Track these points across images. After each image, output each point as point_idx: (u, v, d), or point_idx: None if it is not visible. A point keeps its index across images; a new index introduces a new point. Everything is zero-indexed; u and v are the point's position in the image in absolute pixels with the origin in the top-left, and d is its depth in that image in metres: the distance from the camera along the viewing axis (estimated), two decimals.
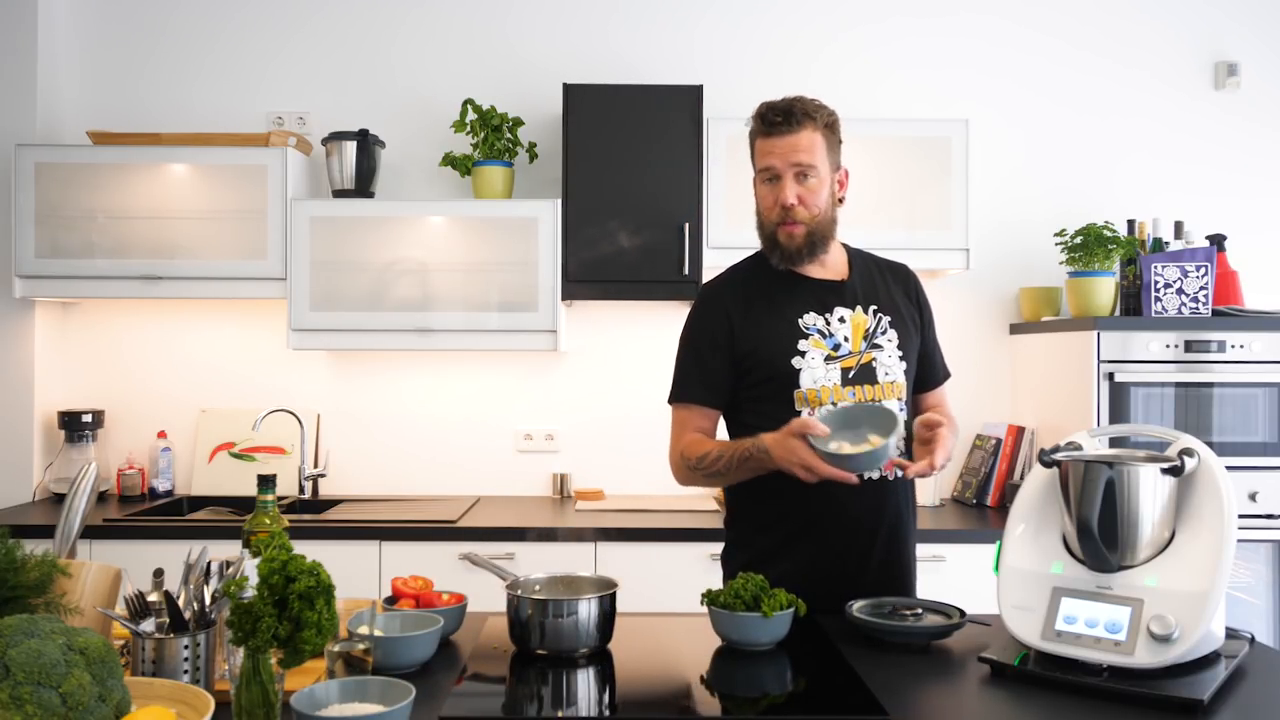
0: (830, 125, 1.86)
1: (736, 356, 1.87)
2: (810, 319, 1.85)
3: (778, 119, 1.81)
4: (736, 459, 1.78)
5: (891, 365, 1.86)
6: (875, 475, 1.82)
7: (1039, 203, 3.48)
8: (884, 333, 1.88)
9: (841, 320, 1.86)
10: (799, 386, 1.81)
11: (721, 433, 1.96)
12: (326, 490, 3.42)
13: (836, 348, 1.84)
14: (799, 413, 1.80)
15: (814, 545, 1.82)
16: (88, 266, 3.11)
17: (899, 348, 1.88)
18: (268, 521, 1.59)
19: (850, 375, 1.82)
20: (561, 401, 3.47)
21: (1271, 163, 3.51)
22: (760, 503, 1.86)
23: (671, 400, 1.96)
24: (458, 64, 3.48)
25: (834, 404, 1.78)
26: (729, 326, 1.87)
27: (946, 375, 2.05)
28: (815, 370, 1.81)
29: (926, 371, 1.99)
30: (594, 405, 3.46)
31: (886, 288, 1.94)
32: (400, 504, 3.22)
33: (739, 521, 1.95)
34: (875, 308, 1.89)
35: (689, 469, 1.87)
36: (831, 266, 1.92)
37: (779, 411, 1.80)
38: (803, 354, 1.82)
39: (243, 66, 3.47)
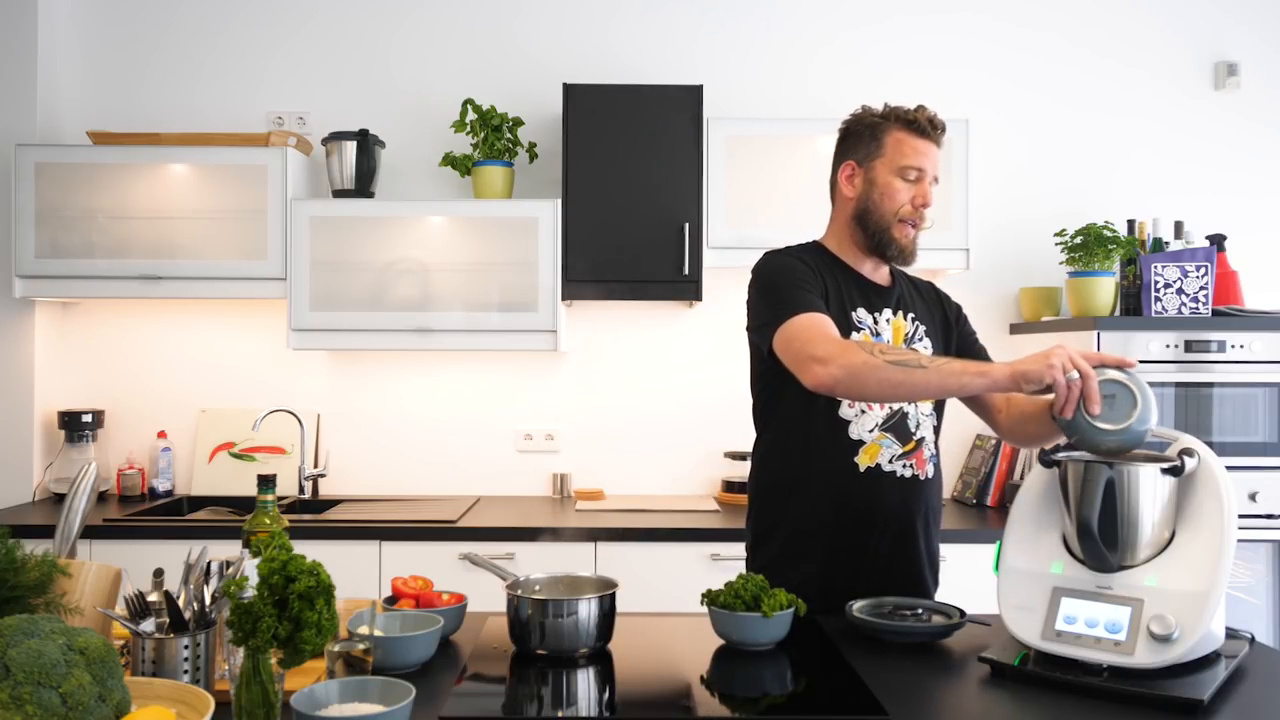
0: None
1: None
2: (862, 314, 1.87)
3: (932, 127, 1.85)
4: (960, 365, 1.62)
5: None
6: (909, 474, 1.84)
7: (1039, 203, 3.48)
8: (920, 340, 1.91)
9: (888, 321, 1.89)
10: None
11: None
12: (326, 490, 3.42)
13: None
14: (839, 403, 1.82)
15: (844, 542, 1.82)
16: (88, 266, 3.11)
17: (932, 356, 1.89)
18: (268, 521, 1.59)
19: None
20: (561, 401, 3.47)
21: (1271, 163, 3.51)
22: (791, 495, 1.86)
23: (793, 313, 1.74)
24: (458, 64, 3.48)
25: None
26: (815, 276, 1.84)
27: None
28: None
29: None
30: (594, 405, 3.46)
31: (923, 299, 1.99)
32: (400, 504, 3.22)
33: (764, 516, 1.93)
34: (913, 315, 1.93)
35: (872, 352, 1.63)
36: (879, 273, 1.96)
37: (818, 398, 1.78)
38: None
39: (242, 66, 3.47)
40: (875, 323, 1.87)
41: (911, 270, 2.05)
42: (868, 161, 1.88)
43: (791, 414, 1.86)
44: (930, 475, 1.88)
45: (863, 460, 1.82)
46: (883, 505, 1.82)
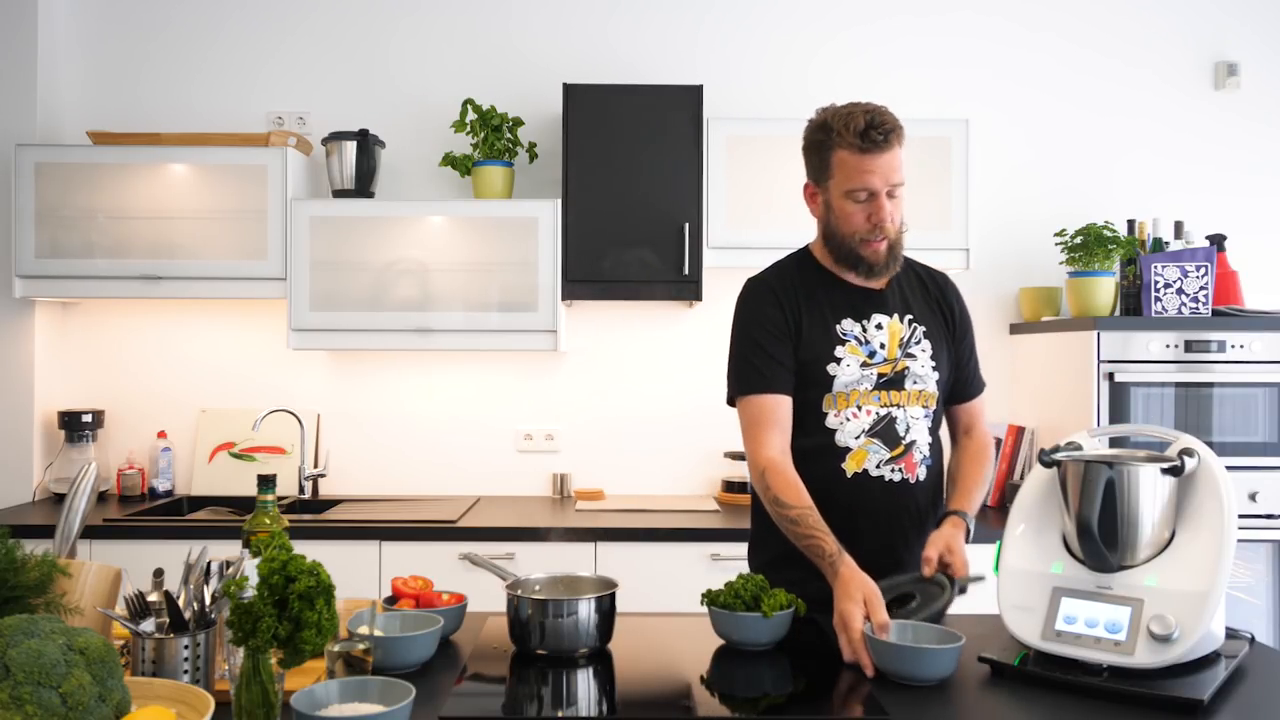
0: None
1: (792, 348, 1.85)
2: (848, 325, 1.85)
3: (880, 137, 1.75)
4: (804, 539, 1.71)
5: (922, 374, 1.86)
6: (897, 478, 1.83)
7: (1039, 203, 3.48)
8: (918, 342, 1.88)
9: (879, 327, 1.86)
10: (830, 390, 1.82)
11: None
12: (326, 490, 3.42)
13: (872, 354, 1.84)
14: (825, 414, 1.82)
15: (845, 544, 1.77)
16: (88, 266, 3.11)
17: (932, 358, 1.88)
18: (268, 521, 1.59)
19: (882, 381, 1.83)
20: (561, 401, 3.47)
21: (1271, 163, 3.51)
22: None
23: (742, 392, 1.86)
24: (457, 64, 3.48)
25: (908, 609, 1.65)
26: (783, 317, 1.85)
27: (981, 387, 2.03)
28: (849, 374, 1.82)
29: (960, 383, 1.98)
30: (594, 405, 3.46)
31: (924, 296, 1.94)
32: (400, 504, 3.22)
33: (762, 519, 1.91)
34: (910, 317, 1.89)
35: (767, 498, 1.78)
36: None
37: (805, 414, 1.83)
38: (838, 360, 1.83)
39: (243, 67, 3.47)
40: (864, 331, 1.85)
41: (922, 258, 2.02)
42: (823, 183, 1.84)
43: None
44: (922, 478, 1.85)
45: (850, 466, 1.81)
46: (869, 510, 1.81)
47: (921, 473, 1.85)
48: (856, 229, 1.80)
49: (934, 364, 1.88)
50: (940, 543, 1.72)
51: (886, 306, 1.88)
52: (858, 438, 1.82)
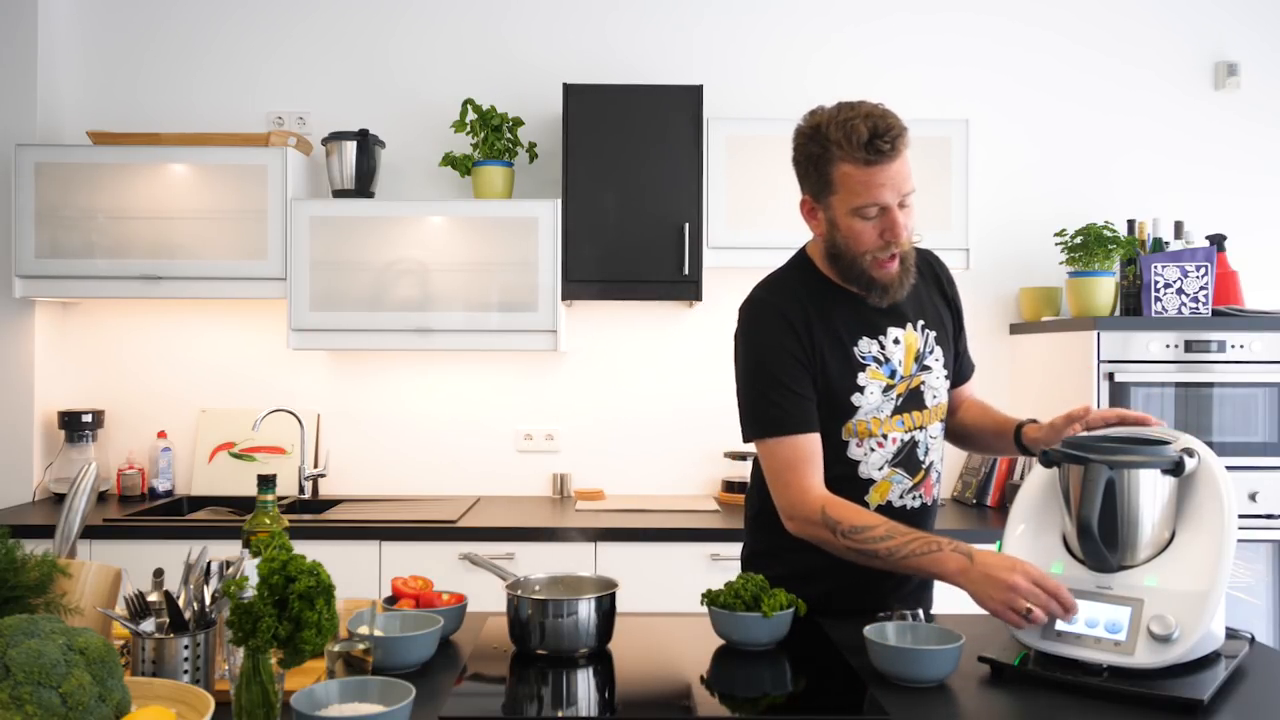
0: None
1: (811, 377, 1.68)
2: (864, 344, 1.70)
3: (887, 146, 1.56)
4: (903, 548, 1.53)
5: (938, 386, 1.77)
6: (917, 504, 1.76)
7: (1039, 203, 3.49)
8: (931, 351, 1.76)
9: (896, 342, 1.72)
10: (851, 418, 1.70)
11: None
12: (326, 490, 3.42)
13: (893, 374, 1.71)
14: (845, 443, 1.70)
15: (848, 578, 1.69)
16: (88, 266, 3.11)
17: (945, 366, 1.79)
18: (268, 521, 1.59)
19: (900, 403, 1.72)
20: (561, 401, 3.47)
21: (1271, 162, 3.51)
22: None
23: (768, 434, 1.67)
24: (457, 64, 3.48)
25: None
26: (801, 346, 1.67)
27: (973, 368, 1.94)
28: (872, 401, 1.70)
29: (956, 372, 1.86)
30: (594, 405, 3.46)
31: (928, 290, 1.80)
32: (400, 504, 3.22)
33: (767, 535, 1.80)
34: (923, 323, 1.76)
35: (840, 532, 1.58)
36: None
37: (824, 443, 1.69)
38: (862, 389, 1.69)
39: (242, 67, 3.47)
40: (882, 348, 1.71)
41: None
42: (823, 198, 1.65)
43: None
44: (936, 497, 1.80)
45: (873, 499, 1.72)
46: None
47: (936, 492, 1.81)
48: (868, 247, 1.63)
49: (946, 371, 1.79)
50: (1068, 420, 1.63)
51: (901, 317, 1.74)
52: (881, 469, 1.72)
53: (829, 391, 1.68)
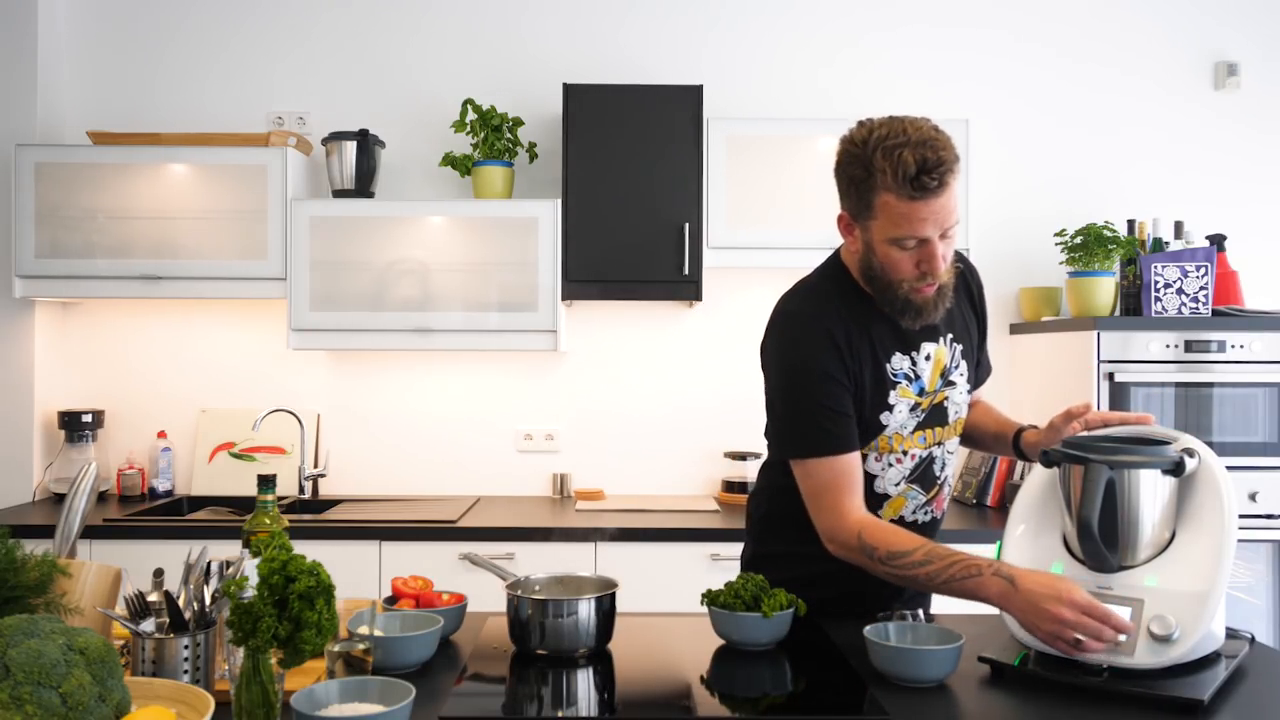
0: None
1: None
2: (897, 361, 1.67)
3: (934, 183, 1.48)
4: (943, 572, 1.50)
5: (960, 400, 1.75)
6: (928, 519, 1.75)
7: (1039, 202, 3.48)
8: (956, 366, 1.73)
9: (928, 358, 1.69)
10: (876, 436, 1.67)
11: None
12: (326, 490, 3.42)
13: (921, 391, 1.68)
14: (864, 457, 1.67)
15: (856, 586, 1.69)
16: (88, 266, 3.11)
17: (967, 380, 1.77)
18: (268, 521, 1.59)
19: (922, 419, 1.69)
20: (561, 401, 3.47)
21: (1271, 163, 3.51)
22: (802, 532, 1.68)
23: (812, 454, 1.62)
24: (458, 64, 3.48)
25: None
26: (844, 367, 1.63)
27: (989, 371, 1.91)
28: (899, 419, 1.67)
29: (977, 373, 1.83)
30: (594, 405, 3.46)
31: (958, 304, 1.75)
32: (400, 504, 3.22)
33: (773, 540, 1.82)
34: (952, 336, 1.72)
35: (877, 558, 1.55)
36: None
37: None
38: (891, 408, 1.66)
39: (243, 67, 3.47)
40: (914, 364, 1.67)
41: None
42: (862, 220, 1.59)
43: None
44: (944, 510, 1.80)
45: (886, 514, 1.71)
46: None
47: (945, 505, 1.80)
48: (904, 276, 1.58)
49: (969, 386, 1.77)
50: (1067, 418, 1.64)
51: (934, 331, 1.69)
52: (898, 484, 1.70)
53: (860, 409, 1.65)
